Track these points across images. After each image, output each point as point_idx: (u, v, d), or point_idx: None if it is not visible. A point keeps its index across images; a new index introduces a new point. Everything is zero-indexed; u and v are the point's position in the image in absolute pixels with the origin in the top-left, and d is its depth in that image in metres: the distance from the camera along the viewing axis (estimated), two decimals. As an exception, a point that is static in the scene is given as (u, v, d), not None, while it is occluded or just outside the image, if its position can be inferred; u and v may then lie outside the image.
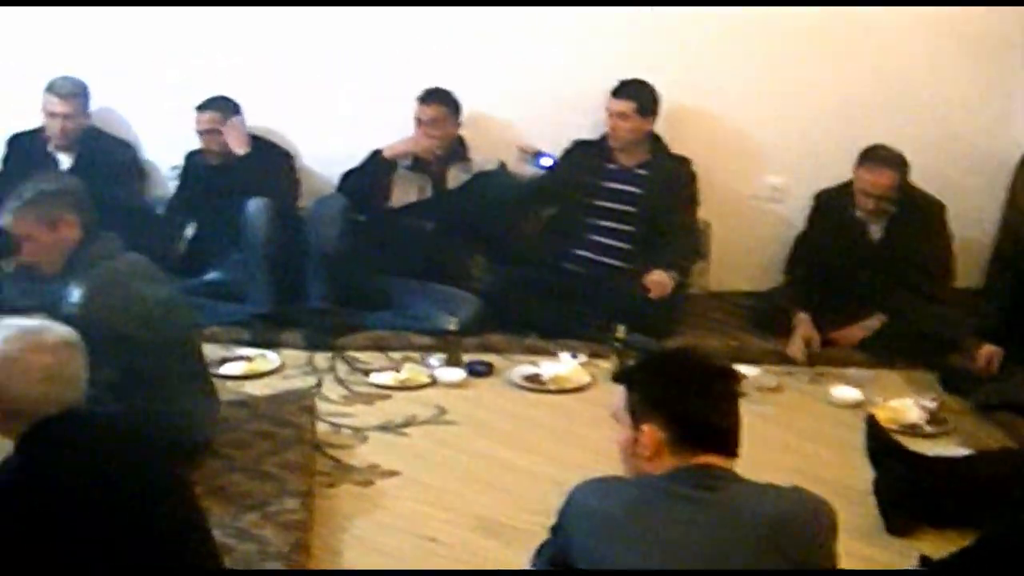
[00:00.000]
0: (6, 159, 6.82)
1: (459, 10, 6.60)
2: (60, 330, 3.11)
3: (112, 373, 4.17)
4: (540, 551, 3.04)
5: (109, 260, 4.47)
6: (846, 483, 4.51)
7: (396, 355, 5.93)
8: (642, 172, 6.38)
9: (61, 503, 2.88)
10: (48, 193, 4.49)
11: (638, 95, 6.30)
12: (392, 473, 4.70)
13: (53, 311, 4.23)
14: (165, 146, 6.89)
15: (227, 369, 5.66)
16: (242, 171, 6.44)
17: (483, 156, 6.59)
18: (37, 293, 5.57)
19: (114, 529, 2.90)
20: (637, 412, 2.88)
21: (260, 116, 6.68)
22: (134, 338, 4.27)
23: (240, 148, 6.41)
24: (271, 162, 6.56)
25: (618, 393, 2.97)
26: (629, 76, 6.35)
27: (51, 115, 6.61)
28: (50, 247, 4.46)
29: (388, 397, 5.47)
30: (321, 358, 5.88)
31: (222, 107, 6.52)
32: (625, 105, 6.29)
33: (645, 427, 2.84)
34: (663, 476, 2.81)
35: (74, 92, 6.63)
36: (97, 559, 2.86)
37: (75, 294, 4.26)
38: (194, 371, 4.66)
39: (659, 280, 6.12)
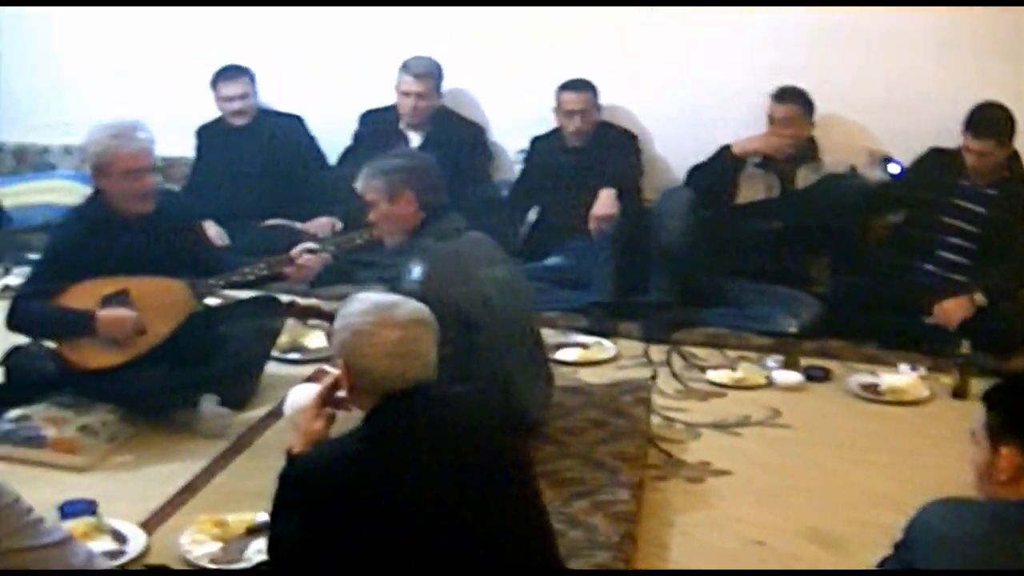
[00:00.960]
0: (357, 135, 7.05)
1: (820, 11, 6.49)
2: (412, 306, 3.16)
3: (450, 350, 4.25)
4: (881, 566, 2.96)
5: (452, 239, 4.55)
6: None
7: (732, 353, 5.87)
8: (990, 192, 6.05)
9: (403, 476, 2.94)
10: (396, 167, 4.61)
11: (998, 131, 5.96)
12: (723, 472, 4.65)
13: (396, 286, 4.36)
14: (513, 130, 7.00)
15: (562, 355, 5.71)
16: (589, 157, 6.48)
17: (833, 158, 6.47)
18: (383, 267, 5.79)
19: (455, 504, 2.94)
20: (997, 434, 2.76)
21: (611, 97, 6.71)
22: (472, 317, 4.34)
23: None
24: (617, 148, 6.58)
25: (977, 412, 2.86)
26: (987, 95, 6.03)
27: (404, 94, 6.81)
28: (389, 218, 4.60)
29: (723, 395, 5.42)
30: (657, 351, 5.86)
31: (590, 88, 6.57)
32: (986, 145, 5.93)
33: (1004, 450, 2.73)
34: (1020, 503, 2.69)
35: (428, 72, 6.80)
36: (436, 532, 2.91)
37: (415, 271, 4.36)
38: (531, 353, 4.69)
39: (947, 309, 5.83)
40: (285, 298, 5.74)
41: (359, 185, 4.66)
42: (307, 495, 3.00)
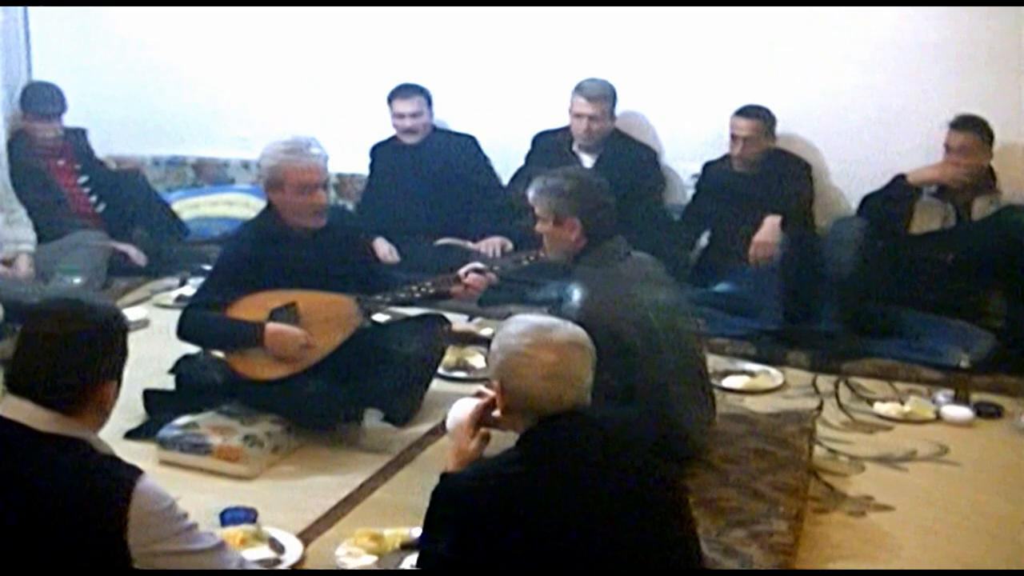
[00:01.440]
0: (530, 155, 7.08)
1: (999, 36, 6.35)
2: (569, 329, 3.17)
3: (610, 376, 4.22)
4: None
5: (615, 263, 4.51)
6: None
7: (901, 386, 5.74)
8: None
9: (553, 498, 2.94)
10: (565, 191, 4.54)
11: None
12: (886, 507, 4.55)
13: (557, 309, 4.36)
14: (686, 153, 6.98)
15: (728, 382, 5.67)
16: (760, 184, 6.42)
17: (1012, 189, 6.32)
18: (551, 288, 5.80)
19: (604, 529, 2.93)
20: None
21: (787, 124, 6.63)
22: (632, 342, 4.30)
23: None
24: (788, 176, 6.49)
25: None
26: None
27: (577, 116, 6.82)
28: (553, 238, 4.58)
29: (889, 429, 5.30)
30: (824, 381, 5.77)
31: (761, 115, 6.50)
32: None
33: None
34: None
35: (602, 95, 6.81)
36: (583, 557, 2.91)
37: (575, 296, 4.34)
38: (693, 379, 4.64)
39: None
40: (452, 317, 5.79)
41: (530, 194, 4.65)
42: (456, 514, 3.01)
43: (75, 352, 2.91)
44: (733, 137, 6.50)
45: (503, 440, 3.26)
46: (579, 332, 3.17)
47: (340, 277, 5.11)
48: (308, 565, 4.04)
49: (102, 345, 2.96)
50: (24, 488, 2.82)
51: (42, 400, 2.88)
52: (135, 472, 2.88)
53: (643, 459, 3.13)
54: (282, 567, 3.96)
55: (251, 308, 4.94)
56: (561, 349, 3.08)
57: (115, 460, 2.95)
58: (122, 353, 3.04)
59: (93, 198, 7.29)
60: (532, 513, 2.91)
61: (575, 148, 6.94)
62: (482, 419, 3.42)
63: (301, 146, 5.00)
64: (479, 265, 5.17)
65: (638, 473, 3.07)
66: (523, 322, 3.19)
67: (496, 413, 3.32)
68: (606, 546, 2.93)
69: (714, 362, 5.76)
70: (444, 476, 3.18)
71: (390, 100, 7.16)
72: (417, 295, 5.15)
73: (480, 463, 3.28)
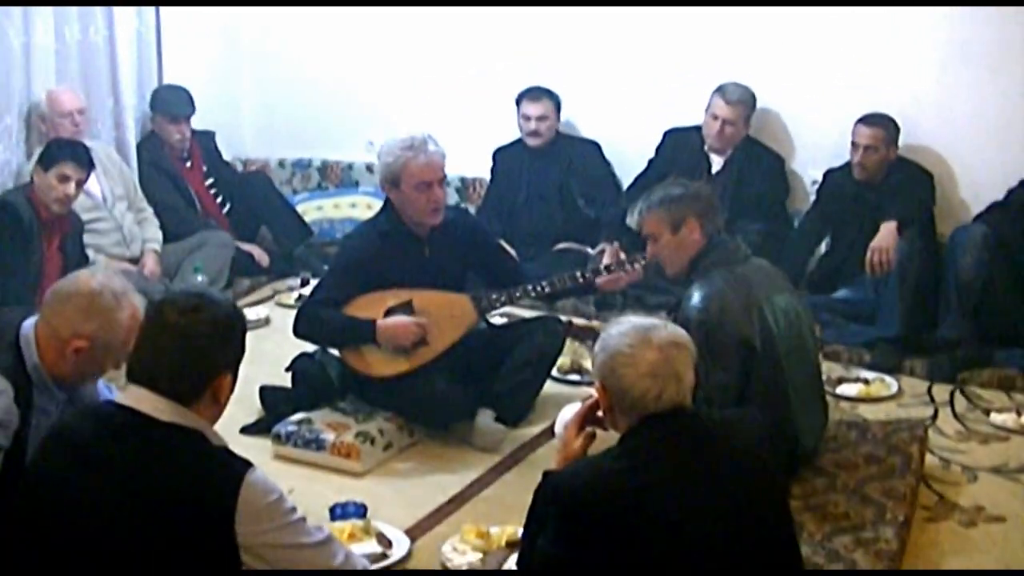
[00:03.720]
0: (659, 149, 7.09)
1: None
2: (670, 330, 3.19)
3: (726, 376, 4.25)
4: None
5: (735, 265, 4.51)
6: None
7: (1020, 396, 5.66)
8: None
9: (653, 496, 2.96)
10: (676, 197, 4.60)
11: None
12: (997, 519, 4.46)
13: (678, 312, 4.38)
14: (813, 159, 6.95)
15: (843, 389, 5.64)
16: (880, 192, 6.37)
17: None
18: (671, 292, 5.81)
19: (703, 527, 2.94)
20: None
21: (913, 135, 6.54)
22: (749, 344, 4.32)
23: None
24: (909, 184, 6.40)
25: None
26: None
27: (714, 117, 6.80)
28: (672, 248, 4.59)
29: (1005, 439, 5.21)
30: (941, 390, 5.70)
31: (884, 125, 6.42)
32: None
33: None
34: None
35: (742, 100, 6.80)
36: (683, 554, 2.93)
37: (695, 297, 4.36)
38: (807, 383, 4.62)
39: None
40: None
41: (633, 221, 4.69)
42: (558, 510, 3.05)
43: (194, 344, 3.01)
44: (854, 144, 6.42)
45: (608, 440, 3.29)
46: (680, 332, 3.20)
47: (457, 275, 5.18)
48: (415, 561, 4.10)
49: (220, 339, 3.05)
50: (141, 474, 2.91)
51: (161, 390, 2.98)
52: (245, 465, 2.96)
53: (746, 458, 3.14)
54: (388, 562, 4.02)
55: (368, 307, 5.02)
56: (662, 348, 3.10)
57: (227, 452, 3.03)
58: (239, 348, 3.13)
59: (219, 199, 7.46)
60: (632, 510, 2.94)
61: (705, 148, 6.94)
62: (588, 419, 3.45)
63: (419, 143, 5.06)
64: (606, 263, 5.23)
65: (739, 472, 3.08)
66: (625, 323, 3.22)
67: (600, 413, 3.35)
68: (705, 544, 2.94)
69: (829, 369, 5.73)
70: (547, 474, 3.22)
71: (518, 101, 7.23)
72: (533, 294, 5.20)
73: (581, 462, 3.30)
